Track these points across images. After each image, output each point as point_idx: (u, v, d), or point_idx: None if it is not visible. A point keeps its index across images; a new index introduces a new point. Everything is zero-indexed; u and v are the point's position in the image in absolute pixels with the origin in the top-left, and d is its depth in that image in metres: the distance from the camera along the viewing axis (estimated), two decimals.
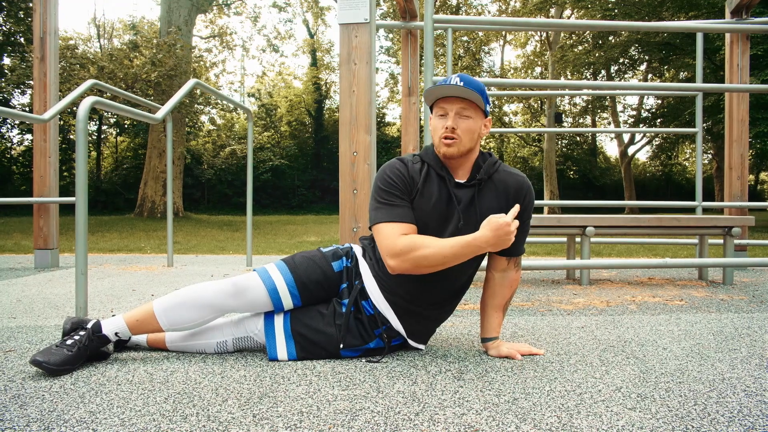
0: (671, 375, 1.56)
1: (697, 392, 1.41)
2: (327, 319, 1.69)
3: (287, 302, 1.69)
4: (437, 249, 1.54)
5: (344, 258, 1.79)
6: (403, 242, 1.57)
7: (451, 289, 1.74)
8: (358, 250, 1.83)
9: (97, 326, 1.65)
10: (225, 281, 1.68)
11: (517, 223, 1.54)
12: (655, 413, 1.27)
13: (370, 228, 1.68)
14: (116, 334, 1.66)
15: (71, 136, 18.89)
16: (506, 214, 1.71)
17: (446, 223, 1.66)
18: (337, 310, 1.70)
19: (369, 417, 1.24)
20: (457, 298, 1.79)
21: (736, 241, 4.35)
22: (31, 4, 14.41)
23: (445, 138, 1.62)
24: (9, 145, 19.79)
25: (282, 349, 1.70)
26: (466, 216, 1.67)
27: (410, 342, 1.79)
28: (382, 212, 1.63)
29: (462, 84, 1.59)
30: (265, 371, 1.59)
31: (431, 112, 1.70)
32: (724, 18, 4.57)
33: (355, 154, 2.48)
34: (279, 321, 1.71)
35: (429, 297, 1.71)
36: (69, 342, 1.60)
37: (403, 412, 1.27)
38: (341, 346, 1.69)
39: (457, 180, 1.69)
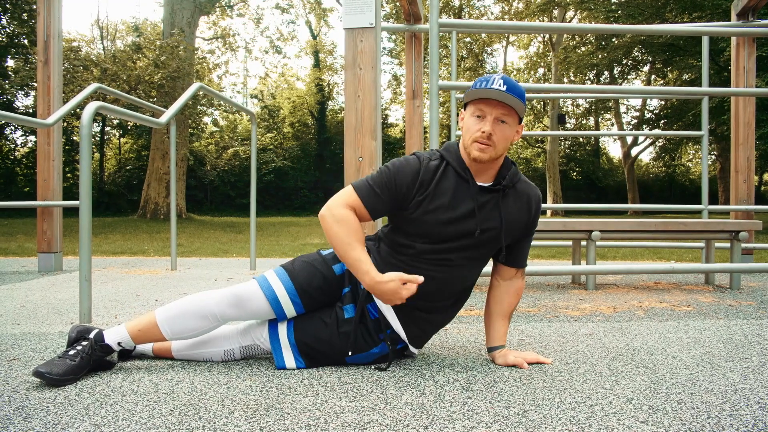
0: (682, 386, 1.54)
1: (709, 404, 1.39)
2: (331, 327, 1.67)
3: (289, 310, 1.67)
4: (344, 247, 1.59)
5: None
6: (343, 211, 1.61)
7: (454, 292, 1.71)
8: None
9: (100, 336, 1.64)
10: (226, 291, 1.66)
11: (409, 292, 1.55)
12: (668, 427, 1.25)
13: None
14: (119, 343, 1.65)
15: (74, 138, 18.92)
16: (527, 225, 1.72)
17: (459, 225, 1.62)
18: (339, 317, 1.68)
19: (378, 430, 1.22)
20: (457, 305, 1.78)
21: (743, 245, 4.32)
22: (35, 6, 14.44)
23: (480, 143, 1.57)
24: (12, 146, 19.83)
25: (290, 360, 1.68)
26: (488, 221, 1.64)
27: (410, 347, 1.76)
28: (364, 189, 1.64)
29: (505, 88, 1.54)
30: (271, 381, 1.57)
31: (464, 109, 1.65)
32: (729, 19, 4.55)
33: (360, 159, 2.46)
34: (283, 332, 1.69)
35: (431, 300, 1.68)
36: (71, 352, 1.59)
37: (412, 425, 1.26)
38: (349, 353, 1.67)
39: (479, 183, 1.65)
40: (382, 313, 1.69)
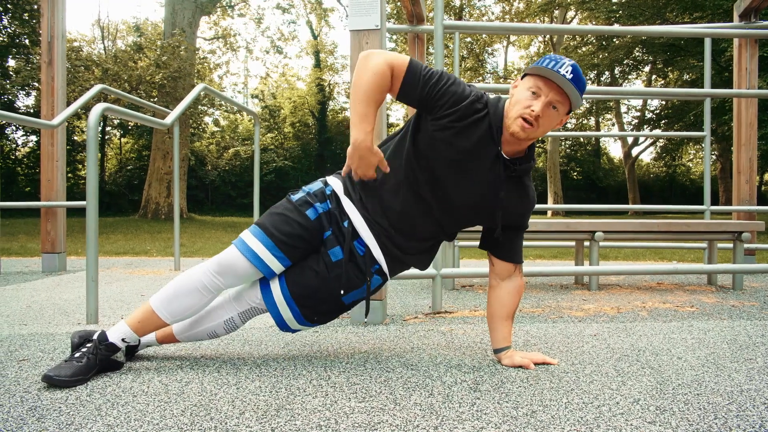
0: (688, 386, 1.55)
1: (716, 405, 1.40)
2: (322, 275, 1.65)
3: (275, 265, 1.65)
4: (360, 95, 1.55)
5: (318, 203, 1.71)
6: (385, 69, 1.55)
7: (422, 238, 1.75)
8: (337, 186, 1.75)
9: (103, 335, 1.65)
10: (209, 262, 1.67)
11: (381, 159, 1.60)
12: (676, 427, 1.26)
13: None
14: (123, 339, 1.66)
15: (75, 137, 18.93)
16: (516, 218, 1.74)
17: (461, 173, 1.63)
18: (328, 262, 1.66)
19: (388, 431, 1.24)
20: (428, 254, 1.83)
21: (745, 246, 4.33)
22: (36, 6, 14.45)
23: (525, 120, 1.55)
24: (13, 146, 19.84)
25: (286, 312, 1.68)
26: (484, 187, 1.65)
27: (389, 279, 1.80)
28: (416, 69, 1.57)
29: (571, 77, 1.52)
30: (280, 382, 1.59)
31: (521, 78, 1.62)
32: (730, 18, 4.56)
33: None
34: (276, 289, 1.67)
35: (402, 234, 1.70)
36: (77, 355, 1.60)
37: (421, 425, 1.27)
38: (342, 292, 1.67)
39: (499, 149, 1.64)
40: (368, 248, 1.69)
